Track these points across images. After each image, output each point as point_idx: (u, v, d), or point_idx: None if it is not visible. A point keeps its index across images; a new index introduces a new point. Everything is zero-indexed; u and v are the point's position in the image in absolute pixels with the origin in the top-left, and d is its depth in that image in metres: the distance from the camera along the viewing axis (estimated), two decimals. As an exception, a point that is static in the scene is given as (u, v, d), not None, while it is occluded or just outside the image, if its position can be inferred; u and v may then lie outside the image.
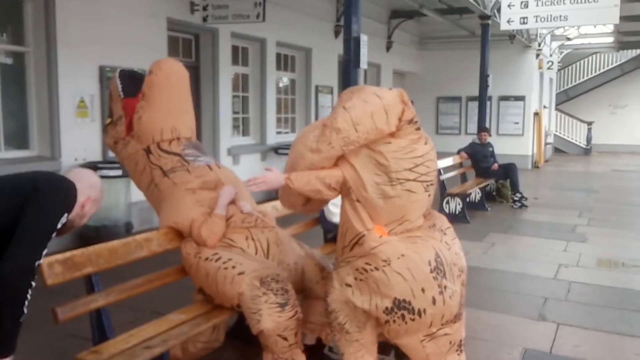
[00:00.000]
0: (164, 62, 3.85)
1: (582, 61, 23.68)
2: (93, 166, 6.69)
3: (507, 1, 9.95)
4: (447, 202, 9.00)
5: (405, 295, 2.94)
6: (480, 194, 9.95)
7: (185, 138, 3.84)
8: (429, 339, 3.08)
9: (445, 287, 2.99)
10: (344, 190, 3.16)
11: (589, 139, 22.56)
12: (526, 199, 10.30)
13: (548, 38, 17.60)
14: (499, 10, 11.95)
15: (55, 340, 4.11)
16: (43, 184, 2.20)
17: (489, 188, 10.56)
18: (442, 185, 9.11)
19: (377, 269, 2.98)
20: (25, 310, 2.08)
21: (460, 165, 10.45)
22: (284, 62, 11.72)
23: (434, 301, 2.96)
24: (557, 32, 17.25)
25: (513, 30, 13.36)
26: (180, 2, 8.46)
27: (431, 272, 2.97)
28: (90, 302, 2.92)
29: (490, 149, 10.65)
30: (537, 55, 16.86)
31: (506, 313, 4.87)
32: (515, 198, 10.25)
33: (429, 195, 3.20)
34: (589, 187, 13.17)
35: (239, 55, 10.31)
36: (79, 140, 6.92)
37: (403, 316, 2.96)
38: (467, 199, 9.17)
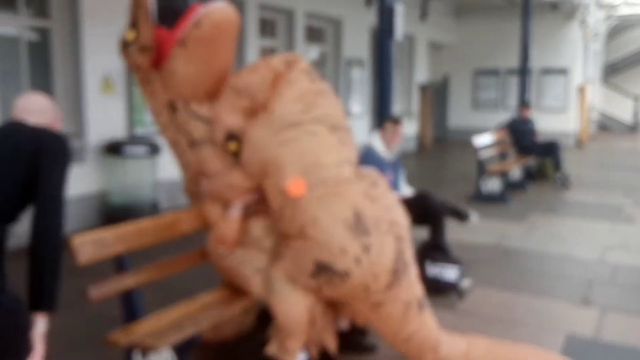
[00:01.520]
0: (220, 14, 3.21)
1: (629, 32, 22.96)
2: (118, 144, 6.80)
3: (551, -33, 9.67)
4: (485, 181, 8.89)
5: (325, 257, 2.94)
6: (520, 173, 9.81)
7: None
8: (379, 306, 3.07)
9: (370, 244, 2.95)
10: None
11: (636, 115, 21.98)
12: (569, 177, 10.12)
13: (593, 7, 17.10)
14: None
15: (84, 319, 4.22)
16: (48, 144, 2.26)
17: (529, 167, 10.39)
18: (480, 163, 9.00)
19: (295, 235, 3.00)
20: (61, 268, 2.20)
21: (500, 142, 10.28)
22: (313, 34, 11.64)
23: (357, 261, 2.94)
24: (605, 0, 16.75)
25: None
26: (205, -27, 8.44)
27: (350, 231, 2.93)
28: (121, 282, 2.97)
29: (532, 125, 10.46)
30: (581, 25, 16.41)
31: (548, 297, 4.82)
32: (558, 177, 10.08)
33: (340, 141, 3.18)
34: (635, 166, 12.88)
35: (266, 28, 10.28)
36: (104, 118, 7.01)
37: (329, 279, 2.96)
38: (507, 178, 9.04)
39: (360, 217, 2.97)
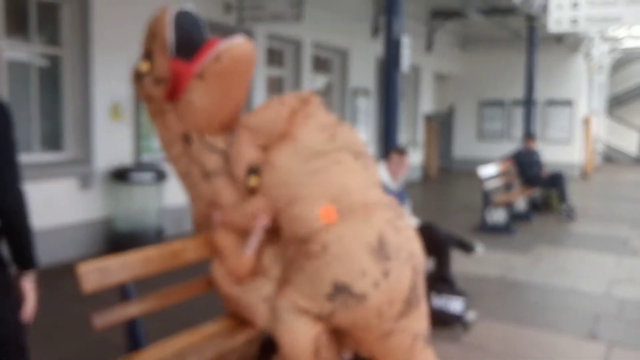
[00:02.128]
0: (240, 50, 3.20)
1: (634, 65, 23.08)
2: (125, 171, 6.83)
3: (555, 2, 9.79)
4: (491, 212, 8.87)
5: (345, 278, 2.93)
6: (525, 204, 9.79)
7: (231, 133, 3.49)
8: (387, 336, 3.06)
9: (389, 270, 2.96)
10: None
11: (640, 147, 22.01)
12: (574, 209, 10.09)
13: (597, 40, 17.24)
14: (546, 10, 11.79)
15: (87, 346, 4.20)
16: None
17: (535, 198, 10.38)
18: (485, 194, 8.99)
19: (315, 255, 2.99)
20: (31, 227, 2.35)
21: (505, 173, 10.29)
22: (320, 64, 11.76)
23: (376, 285, 2.94)
24: (608, 33, 16.88)
25: (560, 32, 13.10)
26: (214, 3, 8.58)
27: (372, 254, 2.95)
28: (125, 310, 2.96)
29: (537, 156, 10.48)
30: (586, 58, 16.53)
31: (554, 331, 4.77)
32: (563, 209, 10.06)
33: (364, 166, 3.26)
34: (642, 198, 12.84)
35: (273, 57, 10.39)
36: (111, 144, 7.06)
37: (346, 302, 2.94)
38: (512, 209, 9.02)
39: (384, 243, 3.00)
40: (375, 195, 3.22)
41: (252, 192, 3.24)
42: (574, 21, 9.58)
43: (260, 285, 3.27)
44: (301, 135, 3.18)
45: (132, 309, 2.98)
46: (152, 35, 3.34)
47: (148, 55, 3.34)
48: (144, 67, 3.33)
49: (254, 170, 3.23)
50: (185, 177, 3.47)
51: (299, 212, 3.08)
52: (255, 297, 3.25)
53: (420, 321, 3.17)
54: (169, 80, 3.26)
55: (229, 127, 3.39)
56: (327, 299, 2.97)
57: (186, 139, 3.34)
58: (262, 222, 3.21)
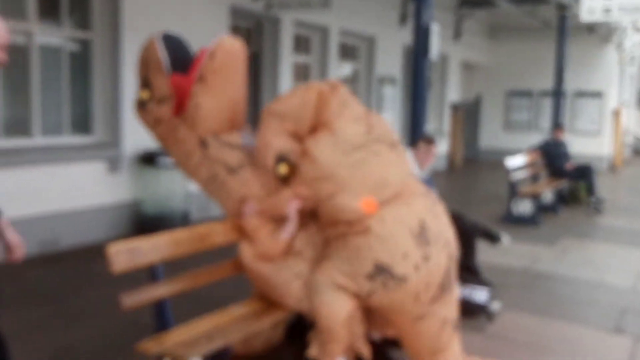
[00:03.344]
0: (228, 44, 3.45)
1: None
2: (153, 155, 6.90)
3: (588, -10, 9.59)
4: (517, 204, 8.78)
5: (386, 260, 3.00)
6: (552, 196, 9.67)
7: (241, 127, 3.67)
8: (420, 319, 3.12)
9: (429, 255, 3.04)
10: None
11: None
12: (603, 202, 9.94)
13: (630, 30, 16.85)
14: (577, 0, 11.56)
15: (116, 326, 4.28)
16: None
17: (562, 189, 10.25)
18: (511, 185, 8.90)
19: (357, 234, 3.05)
20: None
21: (532, 164, 10.17)
22: (346, 51, 11.71)
23: (416, 267, 3.00)
24: (642, 23, 16.50)
25: (592, 22, 12.84)
26: (243, -11, 8.59)
27: (414, 238, 3.02)
28: (154, 292, 3.01)
29: (565, 147, 10.33)
30: (618, 49, 16.19)
31: (579, 324, 4.73)
32: (591, 201, 9.91)
33: (398, 155, 3.33)
34: (672, 192, 12.59)
35: (300, 44, 10.38)
36: (139, 128, 7.11)
37: (385, 282, 2.99)
38: (539, 201, 8.91)
39: (425, 228, 3.08)
40: (412, 184, 3.27)
41: (283, 179, 3.26)
42: (607, 10, 9.38)
43: (293, 264, 3.31)
44: (339, 127, 3.19)
45: (160, 290, 3.03)
46: (145, 63, 3.55)
47: (145, 83, 3.55)
48: (145, 95, 3.54)
49: (283, 159, 3.24)
50: (211, 182, 3.52)
51: (340, 204, 3.13)
52: (288, 275, 3.30)
53: (450, 307, 3.24)
54: (172, 96, 3.43)
55: (237, 123, 3.56)
56: (366, 279, 3.02)
57: (203, 144, 3.46)
58: (297, 206, 3.27)
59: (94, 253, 6.36)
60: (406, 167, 3.37)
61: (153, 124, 3.56)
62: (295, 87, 3.52)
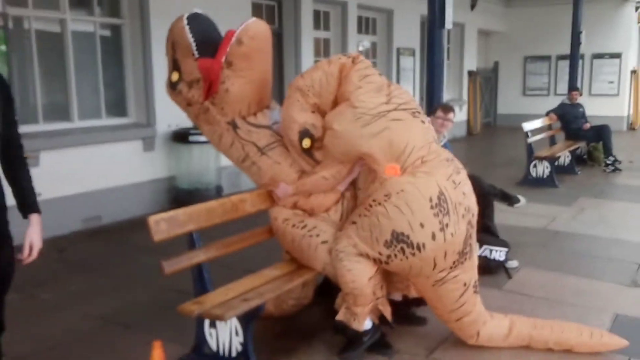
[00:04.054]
0: (255, 28, 3.40)
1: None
2: (185, 133, 7.04)
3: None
4: (535, 166, 8.75)
5: (404, 229, 3.07)
6: (570, 158, 9.60)
7: (268, 107, 3.68)
8: (440, 283, 3.21)
9: (447, 224, 3.08)
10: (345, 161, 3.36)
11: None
12: (620, 162, 9.83)
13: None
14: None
15: (158, 293, 4.47)
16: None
17: (579, 151, 10.16)
18: (529, 148, 8.87)
19: (378, 203, 3.13)
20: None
21: (549, 127, 10.08)
22: (365, 25, 11.65)
23: (433, 236, 3.06)
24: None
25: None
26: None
27: (432, 208, 3.07)
28: (192, 257, 3.15)
29: (581, 110, 10.20)
30: (637, 9, 15.74)
31: (597, 279, 4.77)
32: (608, 162, 9.82)
33: (422, 121, 3.32)
34: (691, 150, 12.35)
35: (320, 20, 10.36)
36: (172, 108, 7.22)
37: (403, 250, 3.08)
38: (556, 163, 8.87)
39: (443, 199, 3.12)
40: (436, 150, 3.29)
41: (307, 152, 3.36)
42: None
43: (321, 229, 3.43)
44: (360, 99, 3.22)
45: (199, 256, 3.17)
46: (173, 45, 3.51)
47: (174, 65, 3.53)
48: (175, 76, 3.52)
49: (306, 134, 3.32)
50: (244, 161, 3.57)
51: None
52: (315, 240, 3.41)
53: (471, 271, 3.31)
54: (202, 80, 3.41)
55: (264, 102, 3.59)
56: (385, 245, 3.11)
57: (233, 126, 3.49)
58: (359, 167, 3.41)
59: (134, 226, 6.59)
60: (430, 132, 3.35)
61: (185, 105, 3.59)
62: (318, 62, 3.49)
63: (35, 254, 2.47)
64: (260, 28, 3.46)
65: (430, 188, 3.12)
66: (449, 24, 5.75)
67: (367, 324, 3.34)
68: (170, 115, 7.21)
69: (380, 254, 3.15)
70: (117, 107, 7.15)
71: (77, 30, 6.64)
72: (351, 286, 3.22)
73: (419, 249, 3.08)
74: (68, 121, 6.57)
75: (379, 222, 3.13)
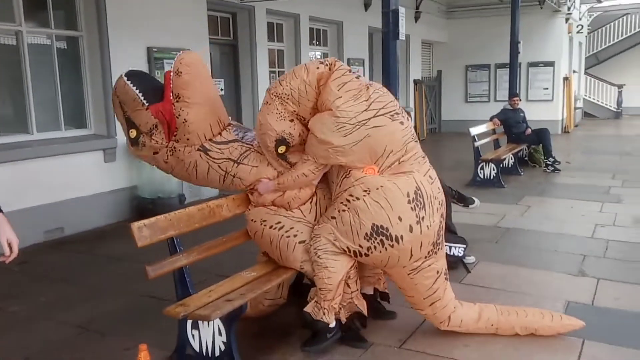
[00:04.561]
0: (187, 57, 3.56)
1: (612, 23, 23.07)
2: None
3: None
4: (482, 168, 9.12)
5: (383, 222, 3.25)
6: (513, 159, 10.03)
7: (230, 125, 3.81)
8: (415, 272, 3.39)
9: (422, 217, 3.28)
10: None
11: (619, 103, 22.18)
12: (559, 162, 10.34)
13: (577, 1, 17.27)
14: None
15: (129, 300, 4.45)
16: None
17: (521, 153, 10.61)
18: (476, 151, 9.23)
19: (358, 198, 3.29)
20: None
21: (493, 132, 10.51)
22: (316, 37, 11.83)
23: (410, 229, 3.25)
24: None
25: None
26: (218, -18, 8.63)
27: (409, 202, 3.26)
28: (175, 262, 3.19)
29: (522, 115, 10.66)
30: (567, 20, 16.60)
31: (547, 270, 5.04)
32: (548, 162, 10.31)
33: (401, 123, 3.43)
34: (621, 150, 13.08)
35: (274, 32, 10.47)
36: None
37: (382, 242, 3.26)
38: (501, 165, 9.26)
39: (420, 194, 3.30)
40: (413, 148, 3.44)
41: (281, 156, 3.47)
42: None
43: (297, 229, 3.54)
44: (340, 108, 3.28)
45: (181, 260, 3.21)
46: (121, 105, 3.65)
47: (129, 124, 3.66)
48: (133, 133, 3.64)
49: (283, 142, 3.42)
50: (225, 179, 3.64)
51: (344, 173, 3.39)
52: (293, 241, 3.51)
53: (442, 259, 3.50)
54: (159, 124, 3.52)
55: (223, 123, 3.70)
56: (365, 239, 3.26)
57: (203, 150, 3.58)
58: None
59: (98, 237, 6.50)
60: (408, 131, 3.46)
61: (152, 155, 3.65)
62: (295, 69, 3.52)
63: (15, 249, 2.42)
64: (192, 55, 3.62)
65: (407, 184, 3.29)
66: (402, 36, 5.97)
67: (332, 322, 3.45)
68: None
69: (360, 246, 3.29)
70: (77, 118, 7.03)
71: (33, 42, 6.51)
72: (326, 282, 3.34)
73: (397, 240, 3.24)
74: (26, 133, 6.42)
75: (359, 216, 3.27)
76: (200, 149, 3.57)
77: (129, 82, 3.56)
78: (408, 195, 3.27)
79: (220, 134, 3.65)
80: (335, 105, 3.30)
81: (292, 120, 3.44)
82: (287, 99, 3.41)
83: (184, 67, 3.47)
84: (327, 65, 3.45)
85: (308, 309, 3.45)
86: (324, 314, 3.40)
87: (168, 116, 3.50)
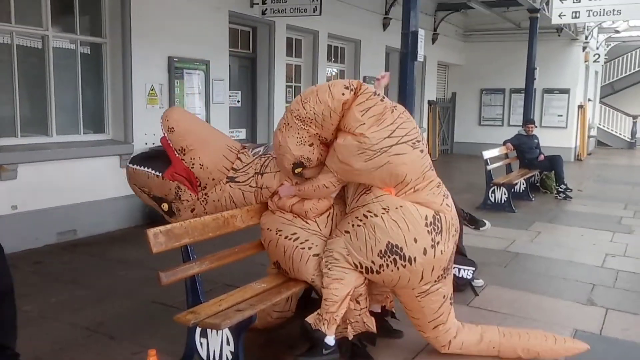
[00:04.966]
0: (171, 113, 3.77)
1: (629, 54, 23.03)
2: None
3: (557, -6, 9.90)
4: (493, 192, 9.11)
5: (398, 241, 3.26)
6: (525, 185, 10.01)
7: (244, 147, 3.96)
8: (424, 295, 3.41)
9: (437, 242, 3.30)
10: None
11: (633, 133, 22.08)
12: (571, 190, 10.30)
13: (595, 31, 17.30)
14: (547, 3, 11.87)
15: (139, 305, 4.48)
16: None
17: (533, 179, 10.59)
18: (488, 175, 9.22)
19: (376, 215, 3.31)
20: None
21: (506, 156, 10.51)
22: (334, 54, 11.93)
23: (424, 252, 3.27)
24: (605, 24, 16.91)
25: (562, 24, 13.18)
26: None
27: (426, 225, 3.28)
28: (188, 269, 3.23)
29: (536, 141, 10.66)
30: (584, 49, 16.61)
31: (555, 297, 5.01)
32: (560, 189, 10.27)
33: (421, 151, 3.45)
34: (634, 181, 13.00)
35: (293, 47, 10.58)
36: (148, 126, 7.29)
37: (395, 261, 3.27)
38: (513, 189, 9.25)
39: (438, 219, 3.34)
40: (430, 177, 3.47)
41: (297, 175, 3.56)
42: (576, 14, 9.71)
43: (312, 242, 3.57)
44: (363, 134, 3.29)
45: (193, 268, 3.24)
46: (142, 189, 3.91)
47: (156, 200, 3.88)
48: (165, 207, 3.86)
49: (300, 165, 3.47)
50: (256, 193, 3.76)
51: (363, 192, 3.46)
52: (307, 253, 3.54)
53: (449, 284, 3.52)
54: (180, 184, 3.72)
55: (236, 150, 3.87)
56: (378, 256, 3.28)
57: (231, 180, 3.75)
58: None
59: (110, 241, 6.55)
60: (426, 160, 3.48)
61: (192, 214, 3.77)
62: (318, 89, 3.47)
63: None
64: (174, 109, 3.90)
65: (427, 209, 3.33)
66: (420, 57, 6.03)
67: (331, 340, 3.44)
68: (147, 132, 7.27)
69: (373, 263, 3.31)
70: (95, 123, 7.13)
71: (58, 46, 6.63)
72: (333, 293, 3.35)
73: (410, 261, 3.25)
74: (46, 135, 6.52)
75: (375, 233, 3.29)
76: (228, 180, 3.73)
77: (135, 167, 3.83)
78: (426, 219, 3.30)
79: (238, 159, 3.81)
80: (359, 131, 3.30)
81: (311, 145, 3.44)
82: (310, 122, 3.39)
83: (173, 122, 3.65)
84: (352, 90, 3.39)
85: (310, 319, 3.46)
86: (324, 324, 3.40)
87: (184, 173, 3.67)
